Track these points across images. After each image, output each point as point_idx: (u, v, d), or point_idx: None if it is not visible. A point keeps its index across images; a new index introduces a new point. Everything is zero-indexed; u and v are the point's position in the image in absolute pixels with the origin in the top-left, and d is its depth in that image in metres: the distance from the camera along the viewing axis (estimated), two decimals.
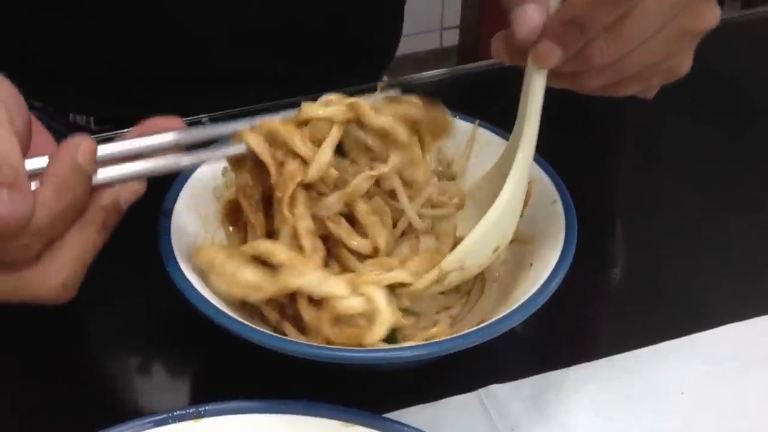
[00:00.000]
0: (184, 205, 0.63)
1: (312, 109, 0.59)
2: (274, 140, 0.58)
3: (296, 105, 0.61)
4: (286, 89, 0.79)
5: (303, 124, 0.59)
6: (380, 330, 0.56)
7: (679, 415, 0.60)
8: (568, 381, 0.61)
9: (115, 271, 0.68)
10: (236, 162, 0.61)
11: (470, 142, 0.71)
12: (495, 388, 0.61)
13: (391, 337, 0.58)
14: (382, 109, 0.60)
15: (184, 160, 0.57)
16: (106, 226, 0.54)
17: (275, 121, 0.59)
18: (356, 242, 0.60)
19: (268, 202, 0.60)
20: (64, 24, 0.88)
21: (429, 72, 0.92)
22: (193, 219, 0.64)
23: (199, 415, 0.53)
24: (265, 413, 0.54)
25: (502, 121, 0.68)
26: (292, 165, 0.58)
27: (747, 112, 0.89)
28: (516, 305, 0.56)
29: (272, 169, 0.58)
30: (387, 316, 0.56)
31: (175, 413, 0.53)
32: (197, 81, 0.90)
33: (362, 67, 1.02)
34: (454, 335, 0.56)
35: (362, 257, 0.60)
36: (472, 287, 0.65)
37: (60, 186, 0.50)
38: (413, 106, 0.61)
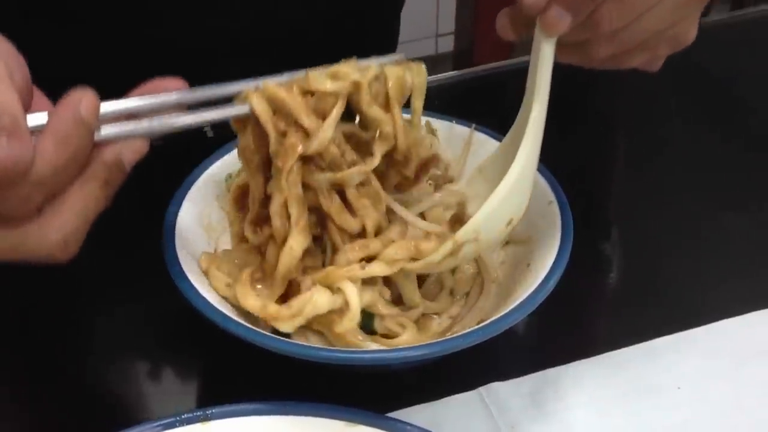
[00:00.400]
0: (187, 211, 0.64)
1: (318, 81, 0.58)
2: (278, 107, 0.58)
3: None
4: None
5: (309, 93, 0.58)
6: (350, 324, 0.58)
7: (676, 410, 0.60)
8: (567, 378, 0.62)
9: (121, 277, 0.69)
10: (240, 123, 0.60)
11: (467, 145, 0.72)
12: (495, 386, 0.61)
13: (367, 323, 0.60)
14: (386, 74, 0.60)
15: (187, 119, 0.56)
16: (108, 183, 0.52)
17: (281, 89, 0.58)
18: (345, 221, 0.60)
19: (267, 166, 0.60)
20: (58, 33, 0.88)
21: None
22: (196, 225, 0.65)
23: (206, 418, 0.54)
24: (271, 415, 0.54)
25: (498, 124, 0.69)
26: (293, 137, 0.58)
27: (738, 112, 0.89)
28: (514, 305, 0.57)
29: (272, 137, 0.58)
30: (356, 312, 0.58)
31: (182, 416, 0.54)
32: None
33: None
34: (455, 335, 0.57)
35: (350, 236, 0.61)
36: (471, 288, 0.66)
37: (61, 138, 0.49)
38: (414, 72, 0.61)
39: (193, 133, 0.68)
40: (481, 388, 0.61)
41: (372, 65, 0.60)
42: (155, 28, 0.88)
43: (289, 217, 0.59)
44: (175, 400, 0.63)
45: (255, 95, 0.58)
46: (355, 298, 0.59)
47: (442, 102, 0.86)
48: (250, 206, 0.62)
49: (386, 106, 0.60)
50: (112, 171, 0.52)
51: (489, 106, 0.77)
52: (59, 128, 0.49)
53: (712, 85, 0.93)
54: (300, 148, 0.57)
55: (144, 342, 0.66)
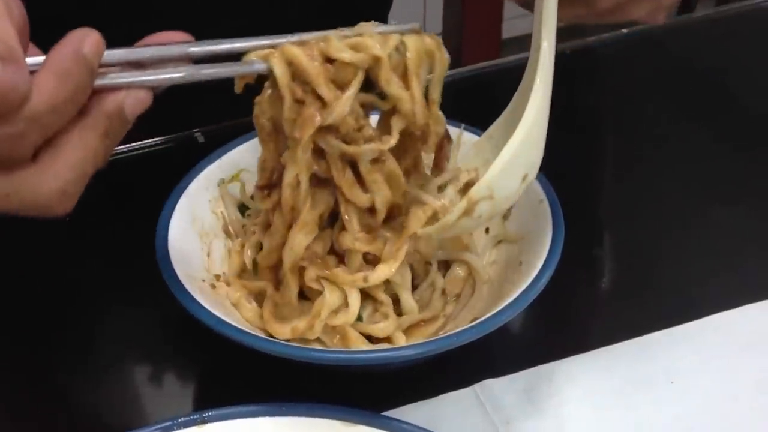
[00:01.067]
0: (181, 218, 0.64)
1: (339, 50, 0.56)
2: (297, 72, 0.56)
3: None
4: None
5: (328, 59, 0.56)
6: (346, 319, 0.60)
7: (670, 404, 0.61)
8: (561, 373, 0.62)
9: (114, 284, 0.69)
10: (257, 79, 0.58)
11: (456, 146, 0.72)
12: (489, 383, 0.62)
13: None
14: (406, 45, 0.58)
15: (196, 73, 0.53)
16: (108, 134, 0.49)
17: (302, 54, 0.55)
18: (355, 195, 0.60)
19: (278, 131, 0.59)
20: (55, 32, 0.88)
21: None
22: (190, 232, 0.65)
23: (203, 421, 0.54)
24: (267, 416, 0.55)
25: (488, 125, 0.69)
26: (311, 108, 0.56)
27: (727, 107, 0.90)
28: (507, 302, 0.58)
29: (288, 104, 0.56)
30: (354, 312, 0.60)
31: (179, 419, 0.54)
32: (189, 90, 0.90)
33: None
34: (449, 333, 0.58)
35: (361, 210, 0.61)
36: (462, 290, 0.66)
37: (61, 73, 0.46)
38: (432, 41, 0.60)
39: (185, 139, 0.68)
40: (475, 385, 0.62)
41: (393, 36, 0.58)
42: (149, 23, 0.88)
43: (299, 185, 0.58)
44: (172, 403, 0.63)
45: (275, 57, 0.56)
46: (357, 302, 0.60)
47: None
48: (259, 172, 0.62)
49: (405, 79, 0.58)
50: (113, 121, 0.49)
51: (478, 106, 0.77)
52: (59, 63, 0.46)
53: (699, 81, 0.93)
54: (317, 120, 0.56)
55: (140, 345, 0.66)
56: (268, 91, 0.58)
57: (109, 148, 0.50)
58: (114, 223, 0.75)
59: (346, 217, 0.60)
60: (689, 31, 1.02)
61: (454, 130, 0.72)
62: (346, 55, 0.56)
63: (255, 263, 0.65)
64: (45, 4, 0.69)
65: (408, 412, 0.59)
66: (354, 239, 0.60)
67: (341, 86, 0.56)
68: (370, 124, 0.59)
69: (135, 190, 0.76)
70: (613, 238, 0.76)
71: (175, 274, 0.59)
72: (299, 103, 0.56)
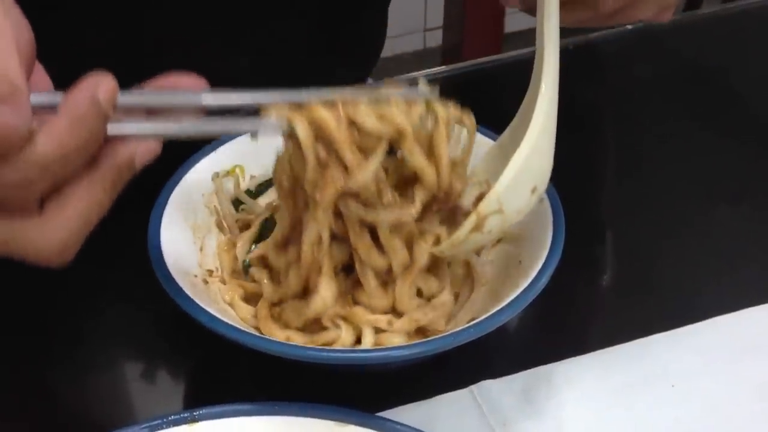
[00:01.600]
0: (173, 212, 0.63)
1: (365, 117, 0.55)
2: (320, 133, 0.55)
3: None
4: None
5: (353, 123, 0.55)
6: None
7: (670, 407, 0.60)
8: (559, 375, 0.62)
9: (107, 278, 0.69)
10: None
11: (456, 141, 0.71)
12: (487, 384, 0.61)
13: None
14: (434, 112, 0.58)
15: (211, 126, 0.52)
16: (115, 185, 0.49)
17: (330, 117, 0.54)
18: (372, 259, 0.59)
19: (297, 189, 0.58)
20: (52, 33, 0.88)
21: (413, 74, 0.92)
22: (183, 226, 0.64)
23: (193, 419, 0.53)
24: (259, 415, 0.54)
25: (488, 120, 0.69)
26: (335, 171, 0.55)
27: (732, 106, 0.89)
28: (506, 302, 0.57)
29: (310, 166, 0.55)
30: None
31: (170, 417, 0.53)
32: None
33: (348, 70, 1.02)
34: (446, 333, 0.57)
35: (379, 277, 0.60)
36: (461, 289, 0.65)
37: (75, 119, 0.45)
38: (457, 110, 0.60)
39: None
40: (472, 386, 0.61)
41: (418, 104, 0.57)
42: (148, 26, 0.87)
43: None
44: (162, 402, 0.63)
45: (299, 119, 0.54)
46: (371, 339, 0.60)
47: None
48: (277, 229, 0.61)
49: (430, 151, 0.58)
50: (122, 173, 0.49)
51: (479, 101, 0.76)
52: (74, 109, 0.45)
53: (703, 79, 0.93)
54: (340, 184, 0.55)
55: (130, 342, 0.66)
56: (289, 151, 0.57)
57: (113, 199, 0.49)
58: (106, 216, 0.74)
59: (362, 277, 0.60)
60: (695, 29, 1.02)
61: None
62: (371, 125, 0.55)
63: (245, 266, 0.65)
64: (53, 26, 0.69)
65: (403, 413, 0.59)
66: (370, 297, 0.60)
67: (365, 151, 0.56)
68: (391, 189, 0.58)
69: (128, 184, 0.75)
70: (613, 238, 0.75)
71: (167, 269, 0.58)
72: (323, 165, 0.55)
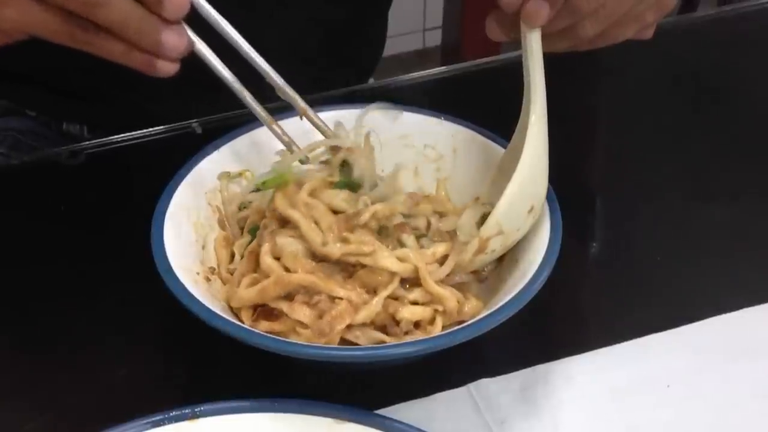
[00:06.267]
0: (176, 209, 0.63)
1: (386, 260, 0.59)
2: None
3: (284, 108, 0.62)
4: (274, 94, 0.80)
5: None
6: None
7: (666, 408, 0.61)
8: (556, 374, 0.62)
9: (109, 275, 0.69)
10: None
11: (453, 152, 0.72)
12: (484, 383, 0.61)
13: None
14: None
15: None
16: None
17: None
18: None
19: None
20: None
21: (414, 74, 0.93)
22: (185, 223, 0.64)
23: (195, 416, 0.54)
24: (259, 412, 0.54)
25: (487, 120, 0.69)
26: (343, 305, 0.58)
27: (727, 108, 0.90)
28: (503, 302, 0.57)
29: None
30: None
31: (171, 413, 0.54)
32: (190, 87, 0.90)
33: (349, 73, 1.02)
34: (444, 332, 0.57)
35: None
36: None
37: None
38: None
39: (181, 129, 0.68)
40: (470, 385, 0.61)
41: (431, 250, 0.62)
42: None
43: None
44: (164, 398, 0.62)
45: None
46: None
47: (430, 98, 0.87)
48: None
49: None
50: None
51: (478, 102, 0.77)
52: None
53: (700, 81, 0.93)
54: (346, 321, 0.58)
55: (132, 338, 0.66)
56: None
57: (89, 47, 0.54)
58: (109, 212, 0.74)
59: None
60: (691, 32, 1.02)
61: (452, 126, 0.72)
62: (388, 263, 0.59)
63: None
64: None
65: (401, 411, 0.59)
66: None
67: (373, 290, 0.60)
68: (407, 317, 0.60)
69: (131, 180, 0.76)
70: (610, 239, 0.76)
71: (170, 266, 0.58)
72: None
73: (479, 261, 0.62)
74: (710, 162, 0.83)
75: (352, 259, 0.60)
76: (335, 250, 0.59)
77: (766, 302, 0.67)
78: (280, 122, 0.67)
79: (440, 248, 0.62)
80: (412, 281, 0.61)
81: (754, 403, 0.61)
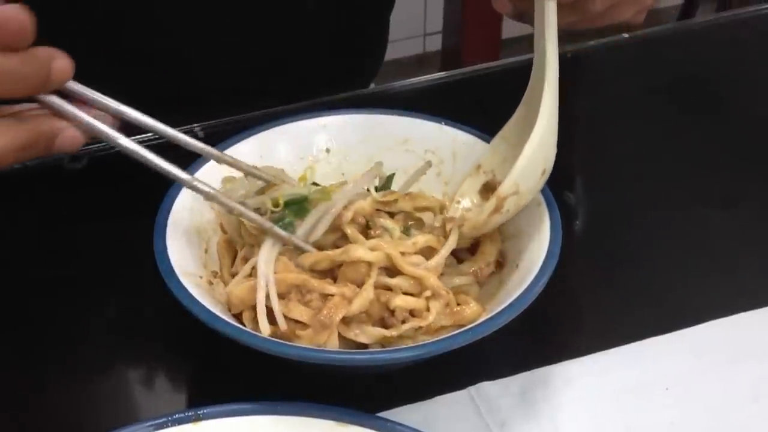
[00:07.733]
0: (180, 213, 0.64)
1: (358, 251, 0.60)
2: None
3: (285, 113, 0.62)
4: (276, 101, 0.80)
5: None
6: None
7: (665, 410, 0.61)
8: (556, 377, 0.62)
9: (112, 278, 0.69)
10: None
11: (453, 154, 0.72)
12: (485, 386, 0.62)
13: None
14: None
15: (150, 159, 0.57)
16: (25, 149, 0.50)
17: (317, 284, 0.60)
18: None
19: None
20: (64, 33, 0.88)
21: (414, 79, 0.93)
22: (188, 227, 0.64)
23: (197, 418, 0.54)
24: (261, 415, 0.55)
25: (487, 125, 0.70)
26: (337, 298, 0.59)
27: (725, 112, 0.90)
28: (503, 306, 0.57)
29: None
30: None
31: (174, 416, 0.54)
32: (189, 100, 0.91)
33: (350, 78, 1.03)
34: (444, 336, 0.58)
35: None
36: None
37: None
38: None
39: (184, 133, 0.68)
40: (471, 388, 0.62)
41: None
42: (162, 39, 0.88)
43: None
44: (166, 400, 0.63)
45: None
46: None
47: (431, 102, 0.87)
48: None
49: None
50: (39, 141, 0.50)
51: (477, 107, 0.77)
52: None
53: (698, 86, 0.93)
54: (343, 312, 0.59)
55: (135, 341, 0.66)
56: None
57: (17, 159, 0.50)
58: (111, 216, 0.74)
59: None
60: (689, 37, 1.03)
61: (453, 131, 0.72)
62: (360, 253, 0.60)
63: None
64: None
65: (402, 414, 0.59)
66: None
67: (360, 282, 0.60)
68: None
69: (133, 183, 0.76)
70: (610, 242, 0.76)
71: (172, 269, 0.59)
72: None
73: (494, 221, 0.63)
74: (710, 166, 0.83)
75: (338, 260, 0.61)
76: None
77: (766, 305, 0.68)
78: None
79: (421, 239, 0.63)
80: (395, 270, 0.61)
81: (755, 406, 0.61)
